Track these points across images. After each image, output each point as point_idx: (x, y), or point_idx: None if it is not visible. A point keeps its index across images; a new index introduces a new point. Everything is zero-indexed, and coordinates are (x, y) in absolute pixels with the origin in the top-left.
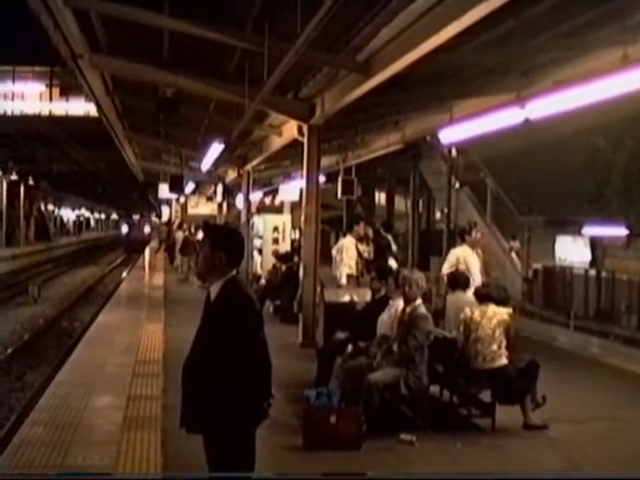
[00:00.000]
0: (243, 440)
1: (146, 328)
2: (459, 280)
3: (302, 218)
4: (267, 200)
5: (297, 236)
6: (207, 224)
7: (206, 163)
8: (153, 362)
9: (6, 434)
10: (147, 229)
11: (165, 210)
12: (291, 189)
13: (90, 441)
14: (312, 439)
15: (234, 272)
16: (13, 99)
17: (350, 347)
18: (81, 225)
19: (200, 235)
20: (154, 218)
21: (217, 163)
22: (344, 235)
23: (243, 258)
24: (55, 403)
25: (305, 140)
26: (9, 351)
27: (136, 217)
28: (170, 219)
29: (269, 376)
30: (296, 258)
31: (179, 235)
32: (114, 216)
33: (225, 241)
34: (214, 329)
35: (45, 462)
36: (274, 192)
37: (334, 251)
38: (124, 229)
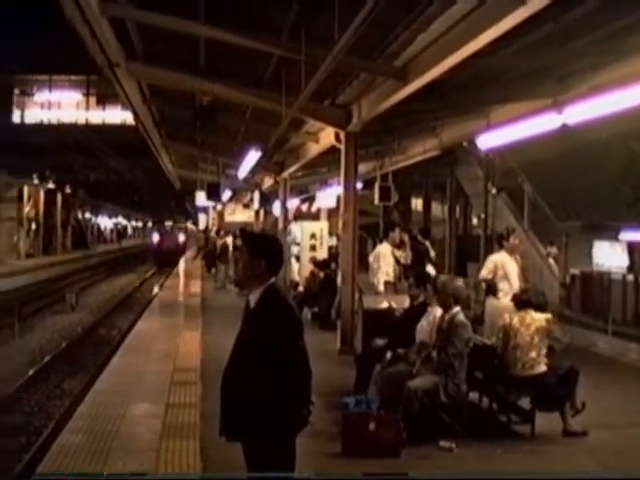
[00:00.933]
0: (283, 447)
1: (184, 336)
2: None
3: (340, 225)
4: (303, 207)
5: (334, 243)
6: (246, 232)
7: (243, 170)
8: (191, 370)
9: (45, 441)
10: (181, 237)
11: (202, 218)
12: (328, 196)
13: (129, 449)
14: (351, 446)
15: (273, 279)
16: (50, 108)
17: (389, 354)
18: (118, 233)
19: (235, 242)
20: (190, 225)
21: (254, 170)
22: (380, 242)
23: (282, 266)
24: (94, 411)
25: (342, 147)
26: (47, 359)
27: (168, 224)
28: (207, 227)
29: (309, 383)
30: (333, 265)
31: (219, 242)
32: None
33: (264, 249)
34: (254, 337)
35: (85, 469)
36: (310, 199)
37: (371, 258)
38: (154, 237)
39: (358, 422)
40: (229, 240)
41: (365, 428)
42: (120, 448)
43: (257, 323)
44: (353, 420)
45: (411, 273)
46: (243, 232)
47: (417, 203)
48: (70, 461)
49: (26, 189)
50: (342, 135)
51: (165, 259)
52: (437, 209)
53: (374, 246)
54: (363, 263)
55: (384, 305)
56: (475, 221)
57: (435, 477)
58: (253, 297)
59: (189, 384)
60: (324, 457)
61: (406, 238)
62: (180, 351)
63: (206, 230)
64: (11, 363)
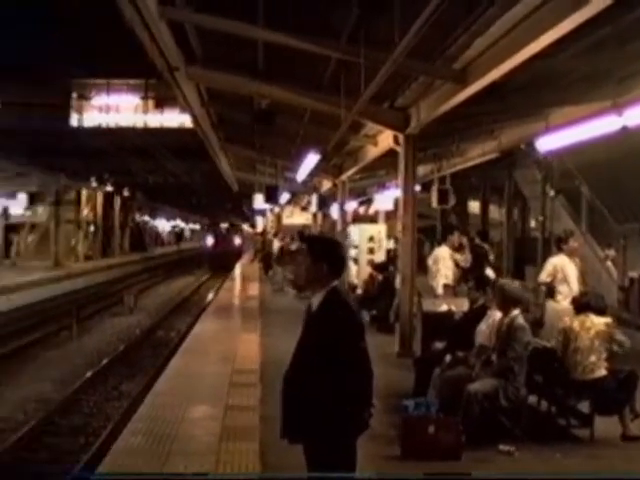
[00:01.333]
0: (344, 450)
1: (242, 338)
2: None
3: (398, 228)
4: (361, 210)
5: (392, 246)
6: (309, 235)
7: (302, 173)
8: (250, 372)
9: (103, 442)
10: (237, 240)
11: (259, 220)
12: (386, 198)
13: (189, 451)
14: (410, 449)
15: (336, 283)
16: (108, 112)
17: (448, 357)
18: (176, 236)
19: (294, 245)
20: (247, 228)
21: (313, 173)
22: (439, 244)
23: (344, 269)
24: (153, 413)
25: (401, 149)
26: (105, 361)
27: (224, 226)
28: (264, 229)
29: (370, 386)
30: (391, 267)
31: (276, 245)
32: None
33: (327, 252)
34: (316, 339)
35: (144, 471)
36: (368, 202)
37: (430, 261)
38: (208, 241)
39: (417, 425)
40: (288, 243)
41: (424, 431)
42: (179, 451)
43: (319, 326)
44: (412, 423)
45: (471, 276)
46: (306, 235)
47: (474, 206)
48: (130, 463)
49: (84, 192)
50: (401, 138)
51: (220, 263)
52: (494, 212)
53: (431, 249)
54: (421, 266)
55: (443, 308)
56: (533, 224)
57: (498, 477)
58: (315, 300)
59: (248, 386)
60: (383, 460)
61: (465, 241)
62: (239, 353)
63: (263, 233)
64: (70, 365)
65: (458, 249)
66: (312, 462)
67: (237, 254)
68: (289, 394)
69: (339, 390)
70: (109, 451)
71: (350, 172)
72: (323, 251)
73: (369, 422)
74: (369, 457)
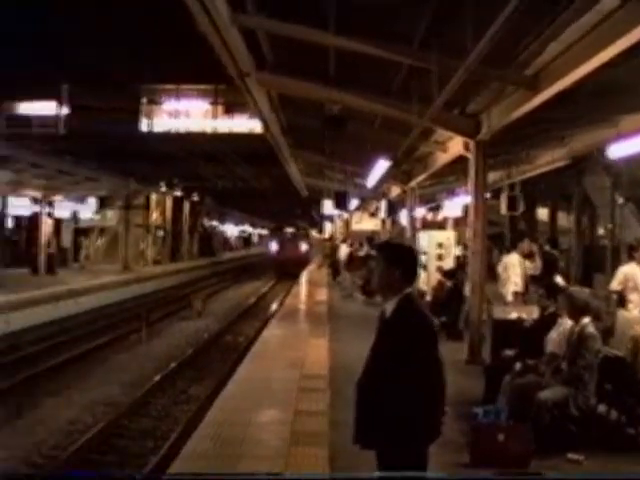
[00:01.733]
0: (416, 456)
1: (311, 343)
2: None
3: (468, 234)
4: (428, 216)
5: (460, 252)
6: (382, 242)
7: (372, 179)
8: (319, 377)
9: (172, 445)
10: (304, 246)
11: (327, 226)
12: (455, 205)
13: (258, 455)
14: (479, 457)
15: (409, 289)
16: (178, 117)
17: (518, 365)
18: (244, 241)
19: (363, 251)
20: (314, 233)
21: (382, 179)
22: (507, 251)
23: (417, 275)
24: (223, 417)
25: (471, 156)
26: (174, 364)
27: (289, 230)
28: (333, 235)
29: (443, 394)
30: (460, 274)
31: (343, 250)
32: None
33: (400, 258)
34: (389, 346)
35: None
36: (436, 208)
37: (500, 268)
38: (272, 246)
39: (487, 432)
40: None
41: (494, 438)
42: (249, 454)
43: (392, 333)
44: (482, 430)
45: (540, 284)
46: (379, 242)
47: (543, 213)
48: (199, 466)
49: (154, 196)
50: (471, 144)
51: (285, 271)
52: (563, 219)
53: (500, 256)
54: (489, 273)
55: (513, 315)
56: (601, 231)
57: (570, 477)
58: (388, 307)
59: (317, 391)
60: (453, 467)
61: (535, 248)
62: (308, 358)
63: (332, 238)
64: (139, 368)
65: (528, 256)
66: (384, 468)
67: (303, 261)
68: (362, 400)
69: (412, 397)
70: (178, 455)
71: (420, 178)
72: (396, 257)
73: (441, 429)
74: (438, 464)
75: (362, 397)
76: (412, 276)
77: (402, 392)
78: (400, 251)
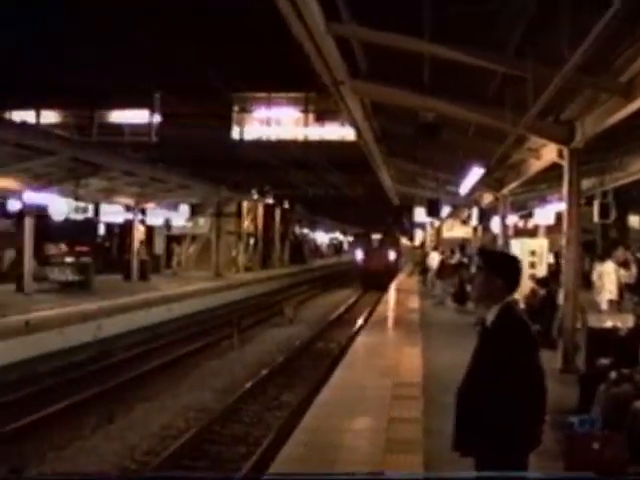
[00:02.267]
0: (516, 465)
1: (403, 351)
2: None
3: (563, 242)
4: (519, 223)
5: (552, 260)
6: (484, 250)
7: (465, 187)
8: (412, 385)
9: (264, 451)
10: (392, 255)
11: (418, 233)
12: (547, 212)
13: (353, 462)
14: (575, 465)
15: (510, 298)
16: (269, 124)
17: (613, 374)
18: (335, 248)
19: (454, 258)
20: (404, 241)
21: (474, 187)
22: (600, 259)
23: (519, 284)
24: (317, 424)
25: (565, 163)
26: (265, 371)
27: (376, 236)
28: (424, 242)
29: (544, 402)
30: (554, 282)
31: (433, 258)
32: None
33: (502, 267)
34: (490, 354)
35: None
36: (528, 215)
37: (594, 276)
38: (358, 255)
39: (582, 441)
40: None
41: (589, 447)
42: (343, 461)
43: (493, 341)
44: (577, 439)
45: (636, 292)
46: (482, 250)
47: (634, 220)
48: (293, 473)
49: (245, 204)
50: (565, 151)
51: (373, 281)
52: None
53: (591, 264)
54: (582, 281)
55: (608, 324)
56: None
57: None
58: (490, 315)
59: (411, 399)
60: None
61: (629, 256)
62: (401, 366)
63: (423, 246)
64: (231, 374)
65: (623, 264)
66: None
67: (392, 271)
68: (462, 407)
69: (513, 405)
70: (273, 461)
71: (512, 185)
72: (499, 266)
73: (541, 438)
74: (533, 472)
75: (462, 404)
76: (514, 285)
77: (503, 400)
78: (503, 260)
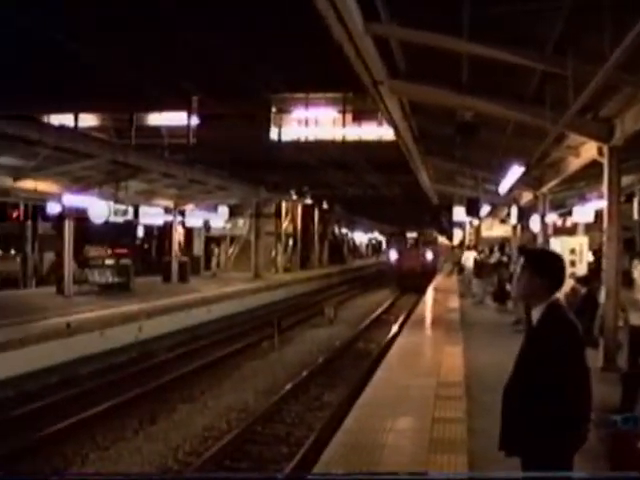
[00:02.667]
0: (562, 464)
1: (445, 351)
2: None
3: (604, 240)
4: (558, 222)
5: (592, 258)
6: (529, 249)
7: (504, 186)
8: (455, 385)
9: (306, 451)
10: (429, 255)
11: (457, 232)
12: (586, 210)
13: (397, 462)
14: (619, 464)
15: (556, 297)
16: (307, 125)
17: None
18: (374, 248)
19: (493, 257)
20: (441, 239)
21: (513, 185)
22: (639, 257)
23: (564, 283)
24: (360, 424)
25: (605, 161)
26: (306, 371)
27: (411, 235)
28: (463, 241)
29: (589, 402)
30: (594, 280)
31: (468, 257)
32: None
33: (547, 266)
34: (536, 353)
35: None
36: (568, 213)
37: (635, 274)
38: (392, 255)
39: (626, 440)
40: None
41: (633, 446)
42: (387, 461)
43: (539, 340)
44: (621, 438)
45: None
46: (526, 250)
47: None
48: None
49: (284, 205)
50: (605, 149)
51: (409, 283)
52: None
53: (630, 262)
54: (623, 279)
55: None
56: None
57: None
58: (535, 314)
59: (454, 399)
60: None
61: None
62: (443, 366)
63: (462, 245)
64: (272, 375)
65: None
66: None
67: (429, 272)
68: (509, 407)
69: (559, 405)
70: (317, 462)
71: (552, 184)
72: (543, 265)
73: (586, 437)
74: (576, 471)
75: (509, 403)
76: (559, 283)
77: (549, 399)
78: (547, 258)
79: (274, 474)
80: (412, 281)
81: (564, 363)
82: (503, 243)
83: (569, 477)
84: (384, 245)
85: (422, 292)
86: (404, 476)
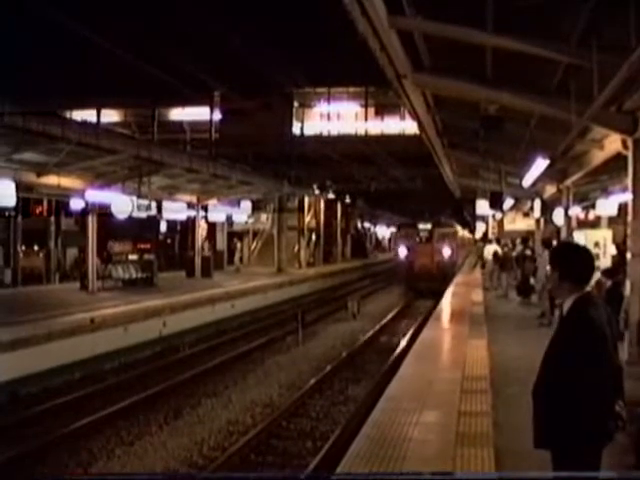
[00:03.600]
0: (591, 458)
1: (470, 344)
2: None
3: (628, 233)
4: (580, 215)
5: (614, 252)
6: (558, 244)
7: (527, 179)
8: (480, 378)
9: (331, 446)
10: (446, 250)
11: (479, 226)
12: (609, 204)
13: (423, 456)
14: None
15: (585, 290)
16: (329, 119)
17: None
18: None
19: (516, 251)
20: (462, 231)
21: (536, 179)
22: None
23: (592, 276)
24: (386, 418)
25: (629, 154)
26: (330, 366)
27: (425, 227)
28: (486, 234)
29: (619, 396)
30: (619, 273)
31: (490, 251)
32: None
33: (575, 260)
34: (564, 346)
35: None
36: (592, 207)
37: None
38: (401, 251)
39: None
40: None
41: None
42: (414, 456)
43: (568, 332)
44: None
45: None
46: (554, 243)
47: None
48: (365, 468)
49: (307, 199)
50: (629, 142)
51: (422, 284)
52: None
53: None
54: None
55: None
56: None
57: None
58: (565, 306)
59: (479, 392)
60: (619, 468)
61: None
62: (468, 359)
63: (485, 238)
64: (296, 369)
65: None
66: (558, 469)
67: (447, 271)
68: (538, 400)
69: (588, 399)
70: (344, 457)
71: (575, 177)
72: (573, 259)
73: (614, 433)
74: (604, 465)
75: (538, 397)
76: (588, 277)
77: (577, 393)
78: (576, 253)
79: (297, 473)
80: (425, 282)
81: (591, 357)
82: (526, 237)
83: (595, 477)
84: None
85: (438, 296)
86: (427, 476)
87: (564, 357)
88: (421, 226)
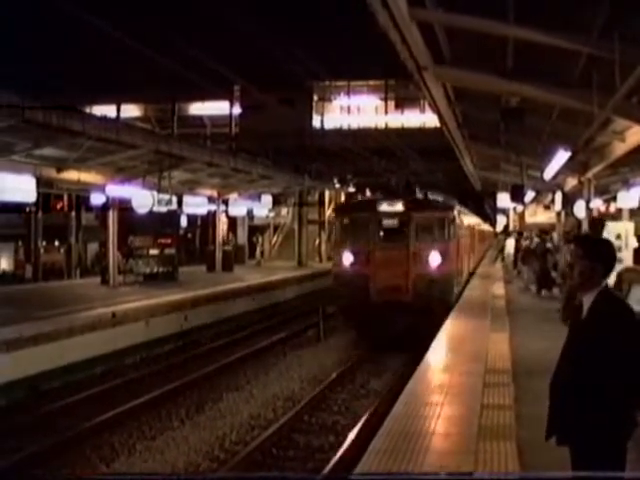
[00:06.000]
0: (614, 453)
1: (492, 337)
2: None
3: None
4: (601, 207)
5: (636, 244)
6: (583, 237)
7: (549, 172)
8: (502, 372)
9: (353, 440)
10: (434, 255)
11: (500, 219)
12: (631, 196)
13: (446, 450)
14: None
15: (605, 282)
16: (349, 113)
17: None
18: None
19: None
20: (475, 219)
21: (558, 171)
22: None
23: (614, 269)
24: (408, 411)
25: None
26: (352, 359)
27: (392, 208)
28: (507, 227)
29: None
30: None
31: (510, 244)
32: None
33: (602, 253)
34: (587, 341)
35: (402, 470)
36: (613, 199)
37: None
38: (345, 260)
39: None
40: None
41: None
42: (437, 450)
43: (592, 327)
44: None
45: None
46: (580, 237)
47: None
48: (387, 462)
49: (327, 193)
50: None
51: (387, 323)
52: None
53: None
54: None
55: None
56: None
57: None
58: (587, 301)
59: (502, 386)
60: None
61: None
62: (490, 352)
63: (506, 231)
64: (318, 363)
65: None
66: (579, 465)
67: (434, 294)
68: (558, 394)
69: (611, 393)
70: (366, 451)
71: (596, 169)
72: (599, 252)
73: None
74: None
75: (558, 391)
76: (610, 270)
77: (600, 387)
78: (601, 245)
79: (314, 475)
80: (393, 320)
81: (618, 351)
82: (548, 230)
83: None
84: None
85: (419, 342)
86: (445, 476)
87: (597, 349)
88: (384, 208)
